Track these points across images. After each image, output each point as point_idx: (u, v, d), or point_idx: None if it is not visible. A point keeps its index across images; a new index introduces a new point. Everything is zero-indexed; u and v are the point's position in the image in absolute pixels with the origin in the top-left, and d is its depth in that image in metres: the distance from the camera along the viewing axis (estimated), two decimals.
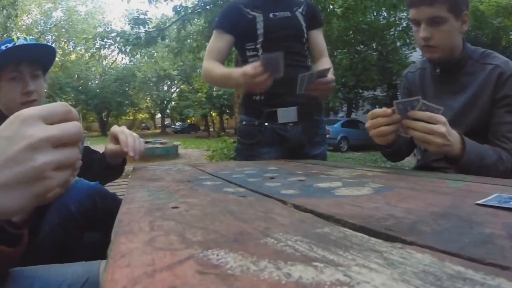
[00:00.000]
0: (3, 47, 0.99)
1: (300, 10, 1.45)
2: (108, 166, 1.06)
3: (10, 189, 0.30)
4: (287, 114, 1.38)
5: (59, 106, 0.36)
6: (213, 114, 29.97)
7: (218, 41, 1.42)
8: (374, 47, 13.45)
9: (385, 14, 11.58)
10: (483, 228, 0.36)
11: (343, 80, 12.84)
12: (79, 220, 0.96)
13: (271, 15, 1.38)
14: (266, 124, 1.39)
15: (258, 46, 1.38)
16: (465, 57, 1.08)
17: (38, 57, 1.07)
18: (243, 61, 1.44)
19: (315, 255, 0.29)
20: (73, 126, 0.35)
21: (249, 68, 1.14)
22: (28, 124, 0.32)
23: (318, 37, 1.49)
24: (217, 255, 0.29)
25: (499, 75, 1.02)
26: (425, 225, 0.37)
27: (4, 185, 0.30)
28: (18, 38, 1.04)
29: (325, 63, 1.44)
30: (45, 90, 1.14)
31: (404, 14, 11.18)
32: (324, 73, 1.20)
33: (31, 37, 1.12)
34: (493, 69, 1.03)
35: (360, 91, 15.58)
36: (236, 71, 1.25)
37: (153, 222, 0.40)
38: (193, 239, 0.33)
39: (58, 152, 0.33)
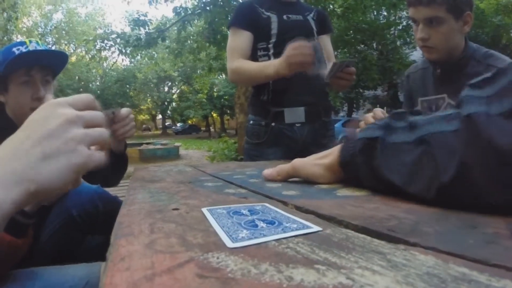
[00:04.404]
0: (14, 49, 0.98)
1: (311, 15, 1.46)
2: (113, 156, 1.08)
3: (50, 160, 0.34)
4: (294, 115, 1.37)
5: (84, 96, 0.42)
6: (214, 114, 29.98)
7: (238, 39, 1.39)
8: (374, 46, 13.43)
9: (385, 13, 11.57)
10: (487, 228, 0.35)
11: None
12: (80, 223, 0.96)
13: (284, 17, 1.40)
14: (272, 124, 1.38)
15: (270, 46, 1.38)
16: (467, 57, 1.06)
17: (50, 63, 1.06)
18: (253, 60, 1.42)
19: (317, 257, 0.28)
20: (98, 114, 0.41)
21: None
22: (62, 107, 0.37)
23: (326, 42, 1.51)
24: (218, 258, 0.28)
25: None
26: (427, 225, 0.37)
27: (45, 156, 0.33)
28: (30, 41, 1.03)
29: None
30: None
31: (404, 13, 11.17)
32: (351, 63, 1.24)
33: (32, 38, 1.11)
34: None
35: (361, 90, 15.57)
36: (275, 59, 1.24)
37: (153, 224, 0.40)
38: (193, 242, 0.33)
39: (89, 129, 0.38)
